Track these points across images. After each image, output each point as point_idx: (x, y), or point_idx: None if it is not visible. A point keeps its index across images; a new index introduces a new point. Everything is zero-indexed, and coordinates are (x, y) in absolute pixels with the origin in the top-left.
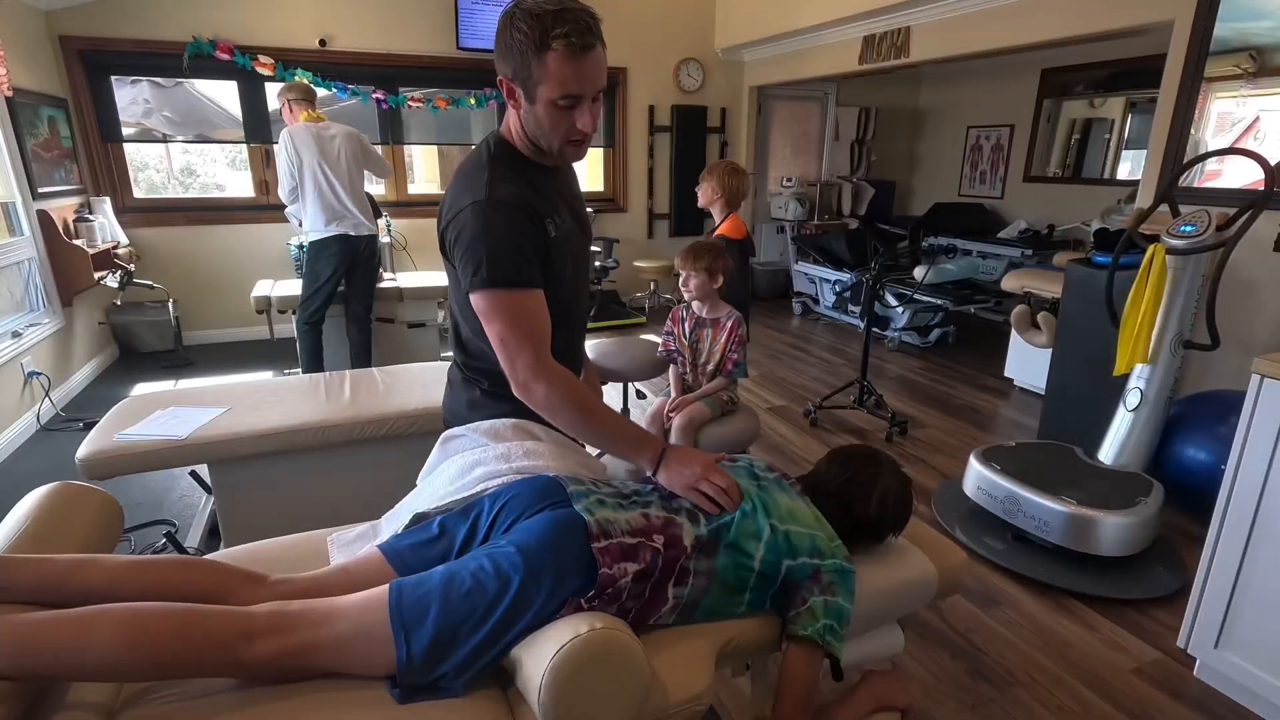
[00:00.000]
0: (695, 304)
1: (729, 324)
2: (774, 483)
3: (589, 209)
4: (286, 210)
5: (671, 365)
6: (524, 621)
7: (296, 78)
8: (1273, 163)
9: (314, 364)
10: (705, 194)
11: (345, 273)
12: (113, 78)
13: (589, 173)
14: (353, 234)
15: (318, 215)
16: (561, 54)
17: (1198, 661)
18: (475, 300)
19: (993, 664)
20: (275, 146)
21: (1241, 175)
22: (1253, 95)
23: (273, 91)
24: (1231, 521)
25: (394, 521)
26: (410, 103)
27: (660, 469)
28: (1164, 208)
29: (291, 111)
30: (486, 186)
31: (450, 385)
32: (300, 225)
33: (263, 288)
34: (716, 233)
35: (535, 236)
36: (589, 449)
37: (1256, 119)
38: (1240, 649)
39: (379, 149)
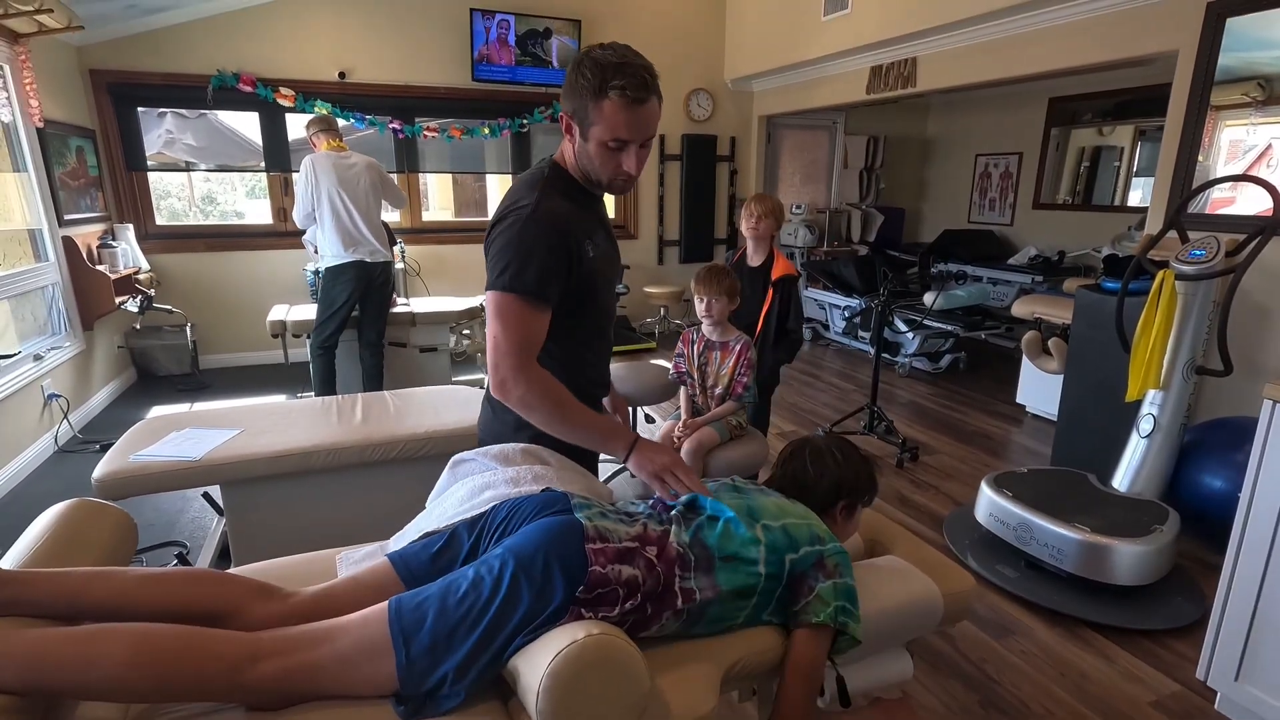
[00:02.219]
0: (707, 327)
1: (738, 348)
2: (757, 490)
3: None
4: (304, 237)
5: (682, 387)
6: (517, 617)
7: (316, 109)
8: None
9: (327, 387)
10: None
11: (359, 298)
12: (139, 109)
13: None
14: (368, 260)
15: (334, 241)
16: (616, 102)
17: (1219, 694)
18: (489, 297)
19: (1007, 695)
20: (295, 174)
21: (1254, 203)
22: (1263, 123)
23: (292, 121)
24: (1248, 549)
25: (402, 542)
26: (426, 133)
27: (631, 455)
28: (1174, 234)
29: (315, 141)
30: (535, 201)
31: (491, 407)
32: (316, 251)
33: (278, 312)
34: (776, 274)
35: (567, 257)
36: (600, 477)
37: (1269, 146)
38: (1262, 682)
39: (395, 177)
